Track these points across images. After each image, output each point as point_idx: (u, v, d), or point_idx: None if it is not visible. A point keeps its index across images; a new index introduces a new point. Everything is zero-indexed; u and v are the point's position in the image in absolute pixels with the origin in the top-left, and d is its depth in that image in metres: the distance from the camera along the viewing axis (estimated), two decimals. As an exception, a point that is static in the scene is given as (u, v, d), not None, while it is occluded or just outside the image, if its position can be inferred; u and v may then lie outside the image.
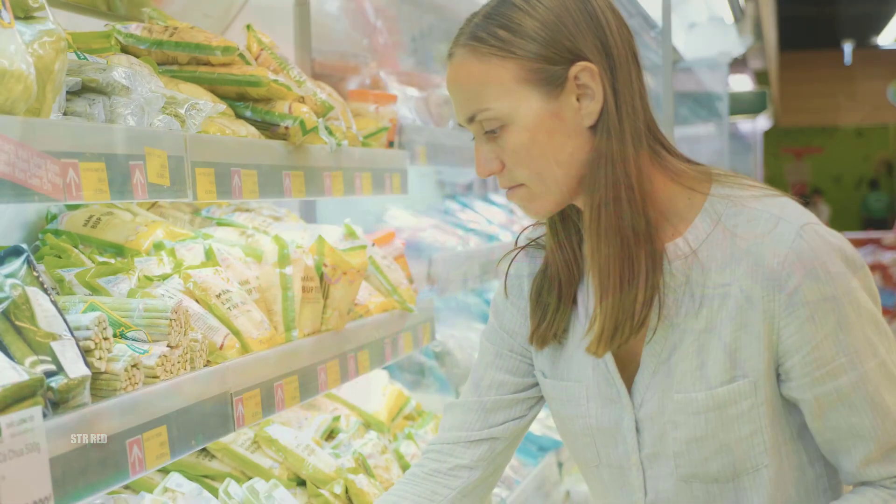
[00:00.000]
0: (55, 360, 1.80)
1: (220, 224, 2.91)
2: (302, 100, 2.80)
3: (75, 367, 1.83)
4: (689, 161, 1.99)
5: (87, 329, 1.94)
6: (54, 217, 2.71)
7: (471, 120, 1.91)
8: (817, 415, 1.90)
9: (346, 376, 2.83)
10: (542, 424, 4.86)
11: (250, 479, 2.78)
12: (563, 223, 2.03)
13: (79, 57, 2.26)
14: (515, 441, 2.20)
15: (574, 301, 2.05)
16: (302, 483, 2.87)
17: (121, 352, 2.01)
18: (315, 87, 2.91)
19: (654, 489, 2.01)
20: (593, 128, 1.89)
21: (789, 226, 1.86)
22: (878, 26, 17.95)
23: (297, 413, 3.09)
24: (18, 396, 1.68)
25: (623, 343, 1.92)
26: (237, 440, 2.82)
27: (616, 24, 1.90)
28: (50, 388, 1.78)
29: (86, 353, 1.91)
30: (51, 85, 1.90)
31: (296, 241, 2.75)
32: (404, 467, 3.18)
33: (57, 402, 1.80)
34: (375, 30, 4.59)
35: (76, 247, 2.56)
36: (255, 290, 2.61)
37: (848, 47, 19.15)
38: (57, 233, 2.61)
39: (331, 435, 3.15)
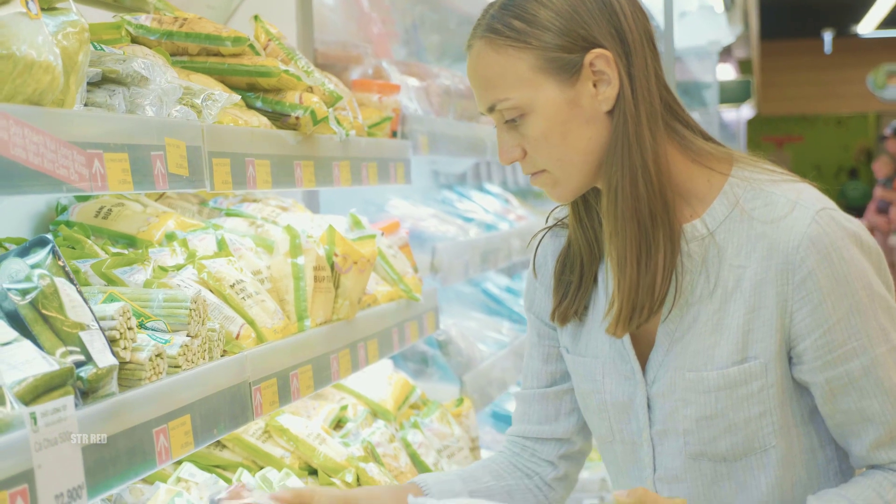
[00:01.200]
0: (84, 350, 1.81)
1: (229, 214, 2.92)
2: (311, 90, 2.80)
3: (103, 357, 1.83)
4: (711, 141, 2.02)
5: (112, 319, 1.94)
6: (65, 209, 2.71)
7: (491, 109, 1.96)
8: (828, 398, 1.92)
9: (356, 366, 2.85)
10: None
11: (261, 468, 2.79)
12: (585, 203, 2.07)
13: (95, 48, 2.27)
14: (583, 434, 2.25)
15: (595, 279, 2.09)
16: (313, 472, 2.88)
17: (144, 342, 2.02)
18: (323, 78, 2.92)
19: (662, 466, 2.04)
20: (611, 113, 1.92)
21: (805, 210, 1.89)
22: (858, 15, 18.01)
23: (304, 402, 3.10)
24: (49, 386, 1.69)
25: (642, 323, 1.96)
26: (248, 430, 2.82)
27: (630, 9, 1.94)
28: (79, 378, 1.78)
29: (111, 342, 1.91)
30: (74, 76, 1.90)
31: (306, 231, 2.76)
32: (412, 455, 3.19)
33: (86, 392, 1.81)
34: (370, 20, 4.60)
35: (88, 238, 2.56)
36: (267, 279, 2.62)
37: (828, 36, 19.20)
38: (69, 224, 2.61)
39: (338, 424, 3.16)
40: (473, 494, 2.15)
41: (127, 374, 1.96)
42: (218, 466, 2.80)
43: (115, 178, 1.92)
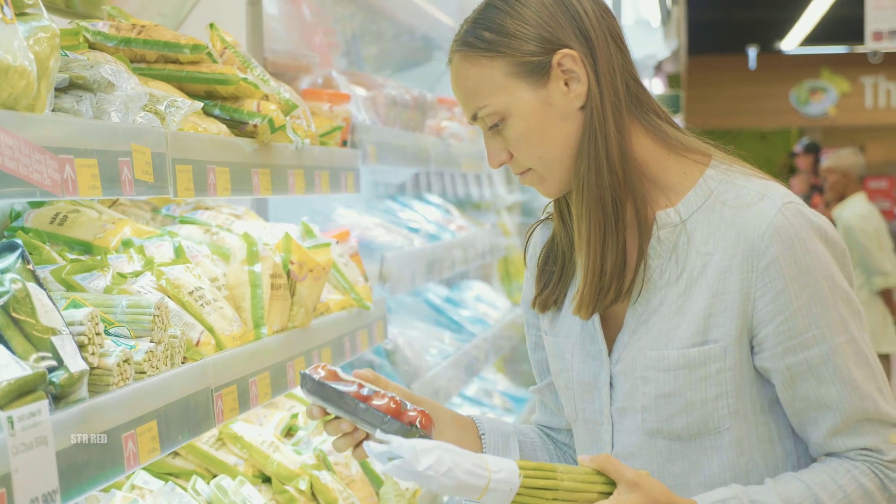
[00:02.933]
0: (56, 355, 1.81)
1: (183, 222, 2.91)
2: (267, 98, 2.81)
3: (75, 362, 1.84)
4: (689, 134, 2.12)
5: (81, 324, 1.94)
6: (19, 215, 2.69)
7: (475, 118, 2.08)
8: (788, 385, 2.00)
9: (311, 373, 2.85)
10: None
11: (215, 476, 2.79)
12: (567, 197, 2.15)
13: (62, 54, 2.26)
14: None
15: (575, 269, 2.18)
16: (266, 480, 2.88)
17: (110, 347, 2.02)
18: (279, 86, 2.93)
19: (620, 442, 2.11)
20: (584, 108, 2.03)
21: (772, 202, 1.99)
22: (782, 32, 18.25)
23: (256, 410, 3.10)
24: (22, 391, 1.69)
25: (608, 306, 2.06)
26: (202, 437, 2.82)
27: (593, 10, 2.05)
28: (51, 383, 1.78)
29: (79, 348, 1.91)
30: (45, 81, 1.90)
31: (262, 239, 2.76)
32: (362, 464, 3.20)
33: (58, 397, 1.80)
34: (313, 31, 4.60)
35: (44, 244, 2.55)
36: (224, 287, 2.62)
37: (752, 52, 19.43)
38: (25, 230, 2.60)
39: (289, 432, 3.16)
40: (521, 443, 2.30)
41: (94, 380, 1.96)
42: (171, 474, 2.79)
43: (85, 184, 1.92)
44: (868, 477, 1.98)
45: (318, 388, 1.99)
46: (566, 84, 2.02)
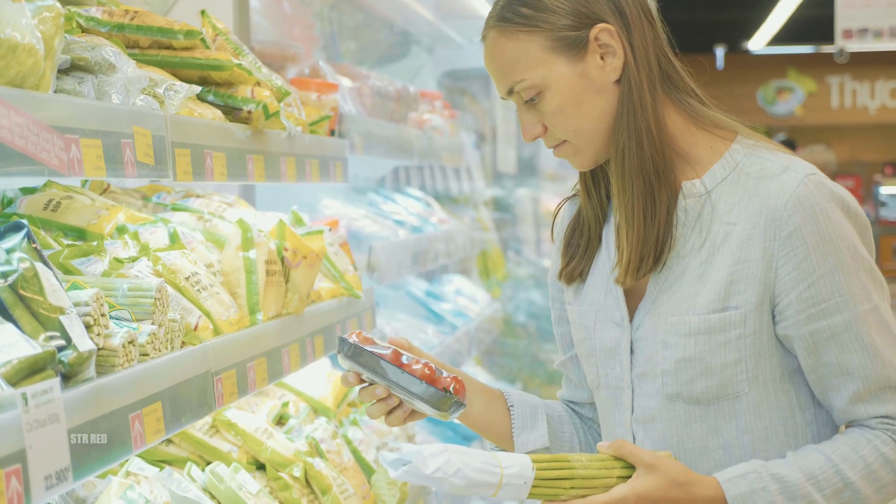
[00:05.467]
0: (64, 335, 1.80)
1: (175, 209, 2.90)
2: (260, 84, 2.81)
3: (83, 342, 1.83)
4: (719, 110, 2.17)
5: (87, 305, 1.93)
6: (11, 201, 2.68)
7: (510, 92, 2.11)
8: (811, 351, 2.03)
9: (305, 360, 2.85)
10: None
11: (208, 463, 2.78)
12: (593, 172, 2.21)
13: (60, 36, 2.25)
14: None
15: (599, 241, 2.23)
16: (260, 467, 2.88)
17: (114, 329, 2.01)
18: (271, 73, 2.93)
19: (640, 406, 2.15)
20: (618, 82, 2.08)
21: (795, 173, 2.04)
22: (749, 32, 18.35)
23: (247, 399, 3.09)
24: (33, 369, 1.68)
25: (647, 272, 2.09)
26: (195, 425, 2.81)
27: None
28: (60, 362, 1.78)
29: (86, 328, 1.90)
30: (50, 61, 1.90)
31: (256, 226, 2.76)
32: (353, 452, 3.21)
33: (67, 376, 1.80)
34: (293, 24, 4.61)
35: (39, 230, 2.54)
36: (219, 273, 2.62)
37: (720, 52, 19.52)
38: (19, 216, 2.58)
39: (280, 421, 3.16)
40: (549, 416, 2.33)
41: (100, 361, 1.95)
42: (164, 461, 2.79)
43: (90, 165, 1.92)
44: (889, 446, 2.01)
45: (355, 353, 2.02)
46: (602, 58, 2.07)
